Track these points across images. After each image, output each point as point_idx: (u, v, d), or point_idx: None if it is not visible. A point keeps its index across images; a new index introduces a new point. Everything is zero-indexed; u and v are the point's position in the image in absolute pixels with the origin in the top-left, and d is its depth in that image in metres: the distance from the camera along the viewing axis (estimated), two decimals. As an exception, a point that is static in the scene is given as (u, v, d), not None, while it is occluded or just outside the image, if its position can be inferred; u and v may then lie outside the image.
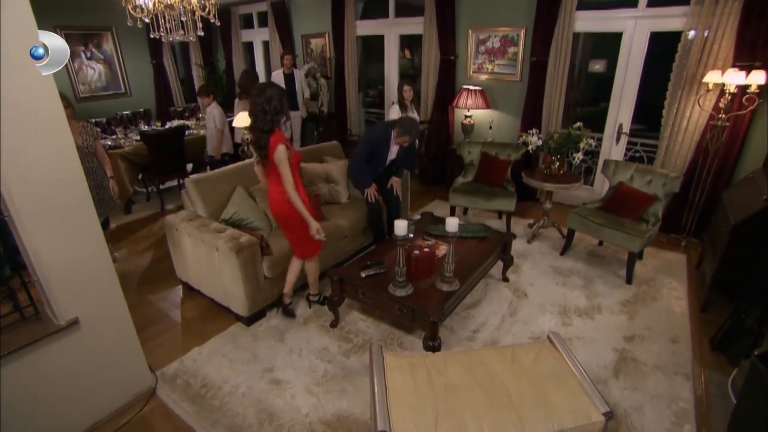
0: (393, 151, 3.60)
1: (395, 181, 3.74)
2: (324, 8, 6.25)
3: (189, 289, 3.35)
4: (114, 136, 5.57)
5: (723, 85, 3.50)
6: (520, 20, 4.66)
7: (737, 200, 3.15)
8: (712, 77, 3.51)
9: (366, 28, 6.14)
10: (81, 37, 6.93)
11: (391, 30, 5.89)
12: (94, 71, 7.20)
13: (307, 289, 3.14)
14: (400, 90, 4.40)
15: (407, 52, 6.43)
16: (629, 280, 3.42)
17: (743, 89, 3.46)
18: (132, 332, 2.32)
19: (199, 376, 2.52)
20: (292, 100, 5.76)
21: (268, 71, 7.69)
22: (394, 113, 4.35)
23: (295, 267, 2.95)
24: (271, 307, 3.12)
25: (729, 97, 3.51)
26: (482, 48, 5.03)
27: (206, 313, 3.14)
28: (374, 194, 3.52)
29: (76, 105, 6.87)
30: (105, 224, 3.69)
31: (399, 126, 3.39)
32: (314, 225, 2.58)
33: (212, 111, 4.89)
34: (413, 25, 5.55)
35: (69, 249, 1.93)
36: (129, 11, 3.86)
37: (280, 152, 2.41)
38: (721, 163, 3.80)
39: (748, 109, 3.51)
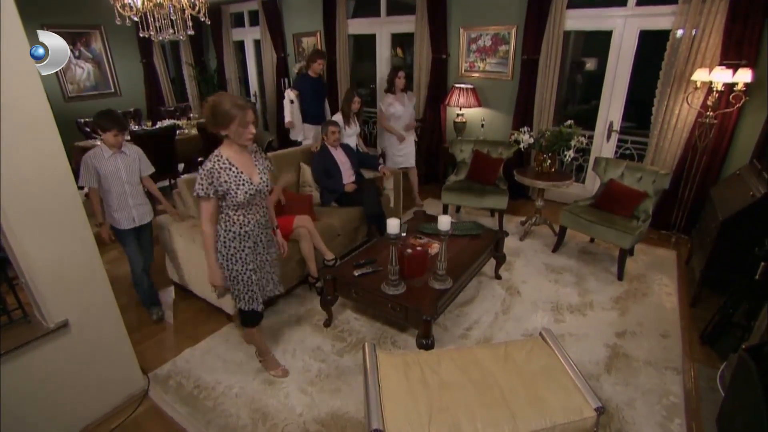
0: (343, 161, 3.88)
1: (382, 169, 4.12)
2: (315, 7, 6.23)
3: (181, 290, 3.33)
4: (103, 136, 5.49)
5: (711, 83, 3.54)
6: (512, 18, 4.68)
7: (725, 197, 3.19)
8: (700, 75, 3.55)
9: (357, 26, 6.13)
10: (69, 36, 6.82)
11: (383, 28, 5.89)
12: (82, 70, 7.10)
13: (315, 279, 3.30)
14: (349, 101, 4.25)
15: (399, 51, 6.43)
16: (620, 277, 3.45)
17: (730, 87, 3.50)
18: (123, 334, 2.30)
19: (192, 377, 2.50)
20: (321, 109, 5.06)
21: (260, 70, 7.65)
22: (337, 119, 4.25)
23: (304, 252, 3.15)
24: (264, 307, 3.10)
25: (716, 95, 3.56)
26: (474, 46, 5.04)
27: (199, 313, 3.12)
28: (351, 187, 3.84)
29: (64, 105, 6.81)
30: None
31: (321, 128, 3.89)
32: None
33: (135, 153, 2.84)
34: (405, 24, 5.55)
35: (57, 250, 1.91)
36: (117, 9, 3.82)
37: None
38: (710, 160, 3.85)
39: (735, 107, 3.56)
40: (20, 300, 1.97)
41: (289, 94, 4.88)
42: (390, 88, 4.54)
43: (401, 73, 4.46)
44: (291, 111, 4.89)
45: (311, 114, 4.93)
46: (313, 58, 4.78)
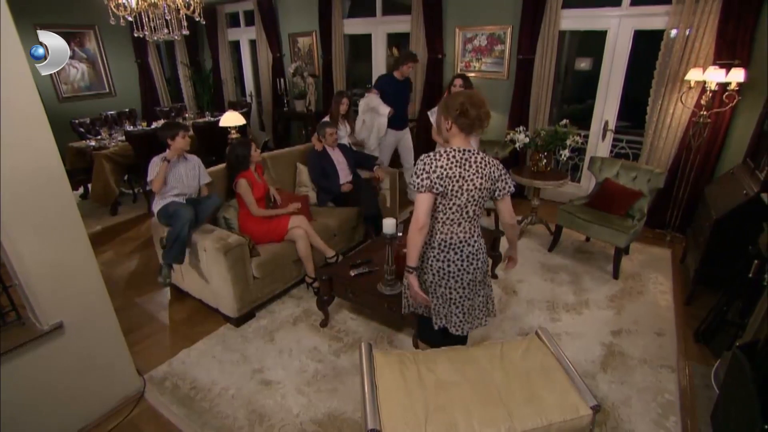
0: (340, 160, 3.85)
1: (377, 171, 4.06)
2: (311, 7, 6.22)
3: (177, 291, 3.32)
4: (99, 137, 5.48)
5: (704, 82, 3.56)
6: (507, 18, 4.69)
7: (719, 195, 3.22)
8: (693, 75, 3.57)
9: (353, 26, 6.13)
10: (62, 36, 6.75)
11: (379, 28, 5.89)
12: (76, 70, 7.05)
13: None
14: (337, 103, 4.12)
15: (395, 51, 6.43)
16: (616, 276, 3.47)
17: (723, 87, 3.52)
18: (119, 335, 2.29)
19: (188, 378, 2.49)
20: (404, 113, 4.62)
21: (255, 70, 7.63)
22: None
23: (301, 252, 3.13)
24: (261, 308, 3.10)
25: (710, 95, 3.58)
26: (469, 46, 5.05)
27: (195, 314, 3.11)
28: (348, 187, 3.81)
29: (58, 105, 6.76)
30: None
31: (318, 130, 3.81)
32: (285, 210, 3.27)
33: (195, 161, 3.21)
34: (401, 24, 5.55)
35: (51, 251, 1.90)
36: (111, 9, 3.79)
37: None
38: (704, 159, 3.87)
39: (729, 106, 3.58)
40: (14, 302, 1.95)
41: (372, 101, 4.38)
42: None
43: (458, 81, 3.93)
44: (363, 121, 4.43)
45: (394, 117, 4.48)
46: (405, 60, 4.33)
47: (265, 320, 3.00)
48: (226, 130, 4.89)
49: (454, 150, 1.77)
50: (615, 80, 4.37)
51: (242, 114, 5.11)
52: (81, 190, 5.44)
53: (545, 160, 4.01)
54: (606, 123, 4.56)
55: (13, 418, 1.91)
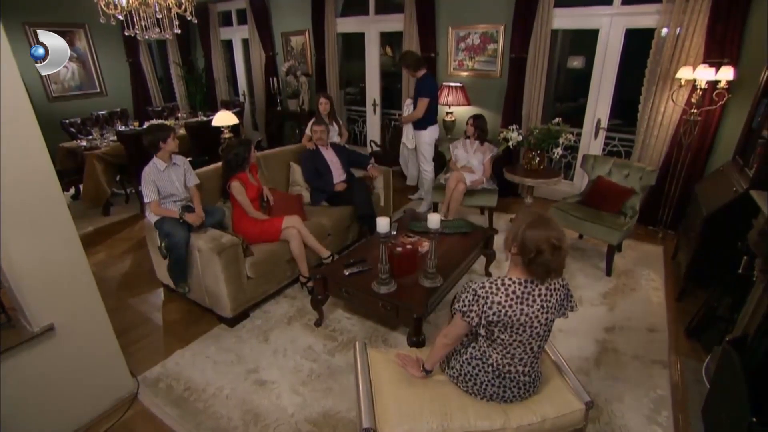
0: (333, 160, 3.86)
1: (371, 169, 4.05)
2: (304, 5, 6.20)
3: (170, 292, 3.30)
4: (90, 137, 5.42)
5: (694, 81, 3.60)
6: (500, 17, 4.70)
7: (709, 192, 3.25)
8: (684, 73, 3.61)
9: (346, 25, 6.12)
10: (52, 35, 6.70)
11: (372, 27, 5.88)
12: (67, 70, 6.96)
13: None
14: (317, 103, 4.32)
15: (388, 50, 6.43)
16: (609, 273, 3.50)
17: (713, 85, 3.56)
18: (111, 337, 2.27)
19: (182, 379, 2.48)
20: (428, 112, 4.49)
21: (248, 70, 7.60)
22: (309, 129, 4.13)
23: (294, 252, 3.13)
24: (255, 308, 3.09)
25: (700, 93, 3.62)
26: (462, 45, 5.06)
27: (188, 315, 3.09)
28: (342, 186, 3.84)
29: (48, 105, 6.69)
30: None
31: (311, 126, 3.89)
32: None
33: (182, 162, 3.09)
34: (394, 23, 5.55)
35: (42, 253, 1.88)
36: (101, 8, 3.76)
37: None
38: (694, 156, 3.91)
39: (718, 104, 3.62)
40: (4, 304, 1.93)
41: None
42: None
43: (470, 120, 4.16)
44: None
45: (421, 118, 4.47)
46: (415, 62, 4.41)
47: (260, 320, 3.00)
48: (218, 130, 4.86)
49: (514, 283, 1.53)
50: (607, 78, 4.41)
51: (235, 113, 5.08)
52: (72, 190, 5.38)
53: (538, 159, 4.04)
54: (598, 121, 4.59)
55: (4, 421, 1.89)
